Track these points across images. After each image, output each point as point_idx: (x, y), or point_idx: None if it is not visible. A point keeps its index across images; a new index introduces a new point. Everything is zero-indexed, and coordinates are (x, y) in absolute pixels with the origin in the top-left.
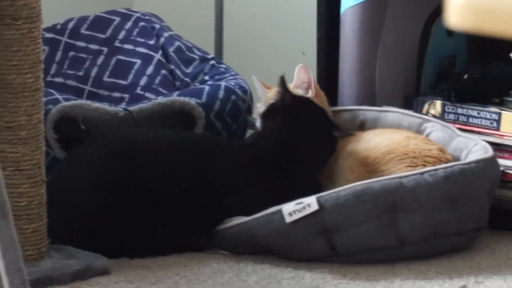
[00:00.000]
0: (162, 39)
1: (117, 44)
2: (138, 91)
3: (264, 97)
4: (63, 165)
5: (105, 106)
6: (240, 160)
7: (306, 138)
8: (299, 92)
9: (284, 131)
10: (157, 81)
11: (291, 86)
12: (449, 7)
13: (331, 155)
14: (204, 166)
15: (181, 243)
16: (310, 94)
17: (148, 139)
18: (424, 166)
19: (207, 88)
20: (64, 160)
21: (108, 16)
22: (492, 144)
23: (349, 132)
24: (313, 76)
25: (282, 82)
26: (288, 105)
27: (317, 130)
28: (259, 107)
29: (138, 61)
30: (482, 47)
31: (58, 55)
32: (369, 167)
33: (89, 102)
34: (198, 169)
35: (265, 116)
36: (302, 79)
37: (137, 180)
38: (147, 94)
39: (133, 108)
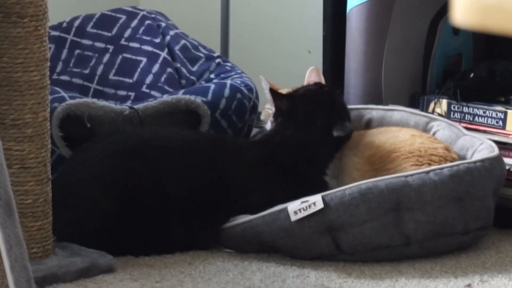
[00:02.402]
0: (168, 37)
1: (123, 42)
2: (144, 89)
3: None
4: (69, 162)
5: (110, 104)
6: (250, 159)
7: (305, 138)
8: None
9: (285, 132)
10: (162, 79)
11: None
12: (455, 4)
13: (335, 153)
14: (214, 165)
15: (190, 241)
16: None
17: (157, 138)
18: (430, 164)
19: (212, 86)
20: (70, 158)
21: (114, 14)
22: (497, 143)
23: (350, 128)
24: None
25: (272, 91)
26: (285, 111)
27: (316, 131)
28: (268, 109)
29: (144, 59)
30: (488, 45)
31: (64, 53)
32: (375, 165)
33: (94, 100)
34: (208, 168)
35: (273, 116)
36: (314, 81)
37: (146, 179)
38: (153, 92)
39: (139, 106)
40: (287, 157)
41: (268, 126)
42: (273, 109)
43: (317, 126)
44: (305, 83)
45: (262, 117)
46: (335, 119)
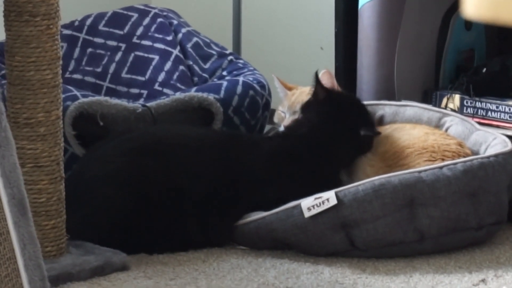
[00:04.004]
0: (180, 35)
1: (135, 40)
2: (156, 87)
3: (286, 99)
4: (83, 161)
5: (123, 102)
6: (267, 152)
7: (333, 132)
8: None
9: (314, 122)
10: (175, 77)
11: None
12: None
13: (355, 156)
14: (228, 161)
15: (204, 238)
16: None
17: (171, 135)
18: (443, 160)
19: (225, 83)
20: (84, 156)
21: (126, 12)
22: (511, 138)
23: (377, 131)
24: (335, 82)
25: (316, 78)
26: (320, 100)
27: (346, 128)
28: (281, 111)
29: (156, 57)
30: (501, 40)
31: (76, 51)
32: (388, 161)
33: (107, 98)
34: (222, 164)
35: (301, 108)
36: (326, 84)
37: (160, 176)
38: (165, 90)
39: (151, 104)
40: (309, 149)
41: (282, 128)
42: (287, 112)
43: (347, 123)
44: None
45: (275, 120)
46: (364, 121)
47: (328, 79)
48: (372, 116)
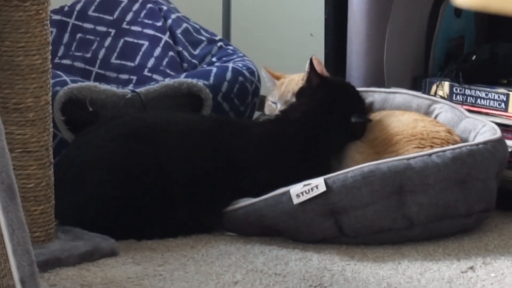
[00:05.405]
0: (169, 21)
1: (124, 26)
2: (146, 72)
3: (275, 89)
4: (72, 146)
5: (112, 88)
6: (258, 136)
7: (325, 118)
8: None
9: (306, 109)
10: (164, 62)
11: (302, 77)
12: None
13: (345, 143)
14: (218, 147)
15: (193, 224)
16: None
17: (161, 121)
18: (432, 147)
19: (214, 69)
20: (73, 141)
21: None
22: (500, 125)
23: (368, 118)
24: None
25: (311, 65)
26: (314, 87)
27: (337, 114)
28: (272, 102)
29: (146, 43)
30: (490, 28)
31: (66, 37)
32: (377, 148)
33: (96, 84)
34: (212, 150)
35: (296, 95)
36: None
37: (150, 162)
38: (155, 76)
39: (141, 89)
40: (301, 134)
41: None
42: (278, 102)
43: (339, 110)
44: (306, 71)
45: (266, 111)
46: (356, 108)
47: (316, 66)
48: (364, 102)
